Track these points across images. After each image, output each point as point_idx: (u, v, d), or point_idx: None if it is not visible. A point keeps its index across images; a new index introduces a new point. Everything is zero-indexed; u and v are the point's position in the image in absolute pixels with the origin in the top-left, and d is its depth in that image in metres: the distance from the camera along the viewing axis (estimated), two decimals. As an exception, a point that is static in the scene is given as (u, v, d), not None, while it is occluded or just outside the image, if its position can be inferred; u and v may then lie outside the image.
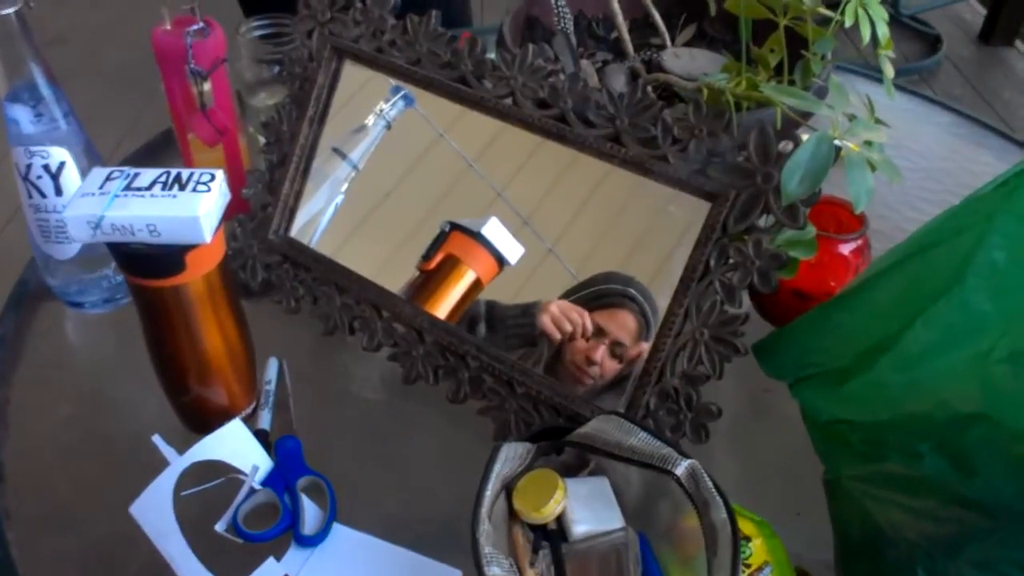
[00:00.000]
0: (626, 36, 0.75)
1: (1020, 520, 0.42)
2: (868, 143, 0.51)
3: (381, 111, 0.69)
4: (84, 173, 0.66)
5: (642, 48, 0.77)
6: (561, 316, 0.61)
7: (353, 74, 0.70)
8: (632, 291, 0.61)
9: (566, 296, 0.62)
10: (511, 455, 0.52)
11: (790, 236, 0.55)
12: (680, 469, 0.48)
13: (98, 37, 2.48)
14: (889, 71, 0.54)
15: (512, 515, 0.51)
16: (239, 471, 0.57)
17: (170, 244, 0.52)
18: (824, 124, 0.53)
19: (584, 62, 0.76)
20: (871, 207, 0.70)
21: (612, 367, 0.60)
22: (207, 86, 0.71)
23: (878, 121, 0.54)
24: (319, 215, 0.71)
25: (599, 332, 0.61)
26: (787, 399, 0.54)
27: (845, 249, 0.65)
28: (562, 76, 0.60)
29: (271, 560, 0.54)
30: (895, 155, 0.91)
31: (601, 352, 0.61)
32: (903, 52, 2.53)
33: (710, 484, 0.48)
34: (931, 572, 0.45)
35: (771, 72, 0.59)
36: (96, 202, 0.51)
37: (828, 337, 0.52)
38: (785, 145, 0.52)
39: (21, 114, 0.64)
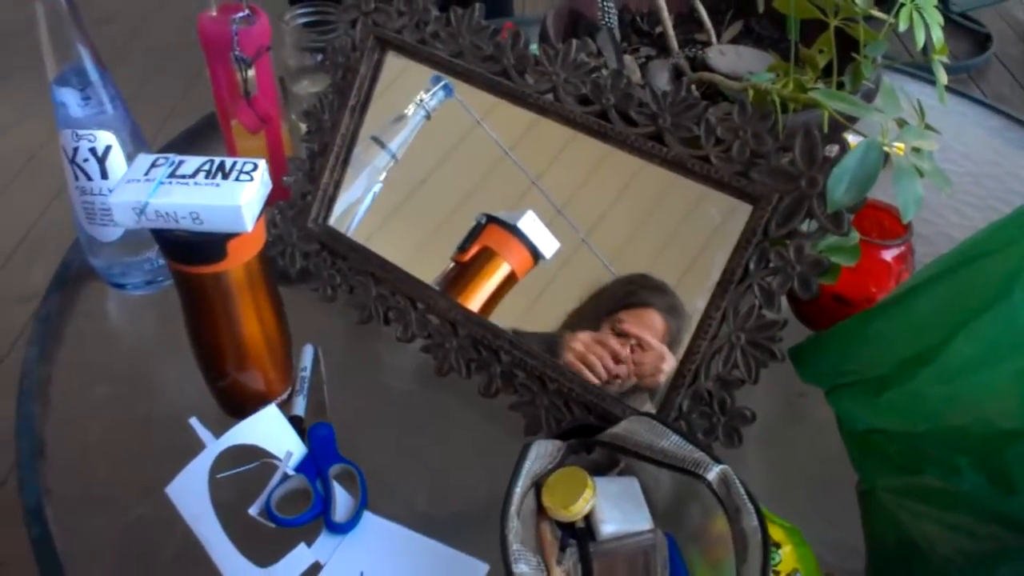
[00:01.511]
0: (671, 32, 0.74)
1: (1060, 541, 0.41)
2: (917, 150, 0.50)
3: (421, 101, 0.70)
4: (130, 157, 0.67)
5: (687, 44, 0.76)
6: (586, 352, 0.61)
7: (394, 63, 0.71)
8: (662, 288, 0.60)
9: (598, 297, 0.62)
10: (542, 452, 0.52)
11: (832, 242, 0.54)
12: (712, 474, 0.48)
13: (143, 18, 2.51)
14: (943, 77, 0.53)
15: (541, 512, 0.51)
16: (273, 456, 0.57)
17: (212, 232, 0.52)
18: (872, 126, 0.52)
19: (627, 58, 0.75)
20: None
21: (626, 370, 0.60)
22: (251, 73, 0.71)
23: (928, 127, 0.53)
24: (357, 204, 0.72)
25: (626, 332, 0.61)
26: (822, 405, 0.53)
27: (888, 255, 0.64)
28: (605, 72, 0.60)
29: (302, 546, 0.54)
30: (941, 158, 0.90)
31: (628, 351, 0.60)
32: (952, 50, 2.47)
33: (742, 491, 0.47)
34: (965, 589, 0.44)
35: (819, 73, 0.58)
36: (141, 188, 0.52)
37: (868, 345, 0.51)
38: (831, 149, 0.51)
39: (69, 98, 0.65)
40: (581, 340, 0.61)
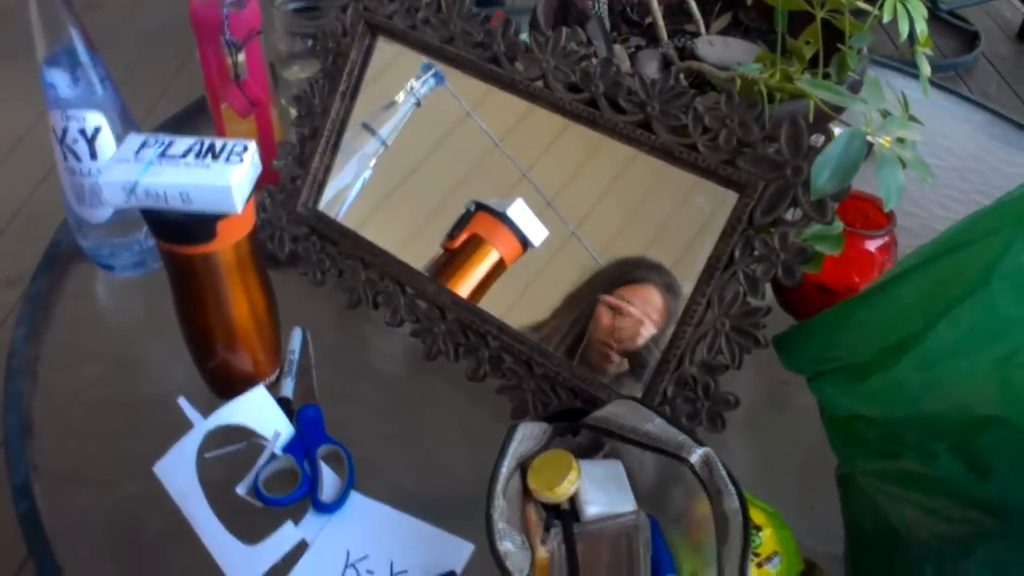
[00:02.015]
0: (660, 22, 0.74)
1: (1032, 524, 0.42)
2: (901, 140, 0.51)
3: (411, 88, 0.70)
4: (119, 138, 0.67)
5: (676, 35, 0.76)
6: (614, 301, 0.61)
7: (385, 50, 0.71)
8: (658, 267, 0.60)
9: (594, 279, 0.62)
10: (528, 434, 0.53)
11: (817, 230, 0.55)
12: (694, 456, 0.49)
13: (132, 3, 2.49)
14: (926, 69, 0.54)
15: (526, 493, 0.52)
16: (261, 436, 0.58)
17: (202, 212, 0.52)
18: (857, 119, 0.53)
19: (617, 47, 0.75)
20: (899, 204, 0.70)
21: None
22: (241, 57, 0.71)
23: (912, 118, 0.53)
24: (347, 189, 0.72)
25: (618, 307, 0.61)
26: (805, 393, 0.54)
27: (871, 245, 0.65)
28: (594, 60, 0.60)
29: (289, 524, 0.55)
30: (926, 152, 0.91)
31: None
32: (940, 48, 2.49)
33: (723, 473, 0.48)
34: (940, 571, 0.45)
35: (806, 64, 0.59)
36: (131, 168, 0.52)
37: (850, 333, 0.52)
38: (816, 139, 0.52)
39: (59, 78, 0.65)
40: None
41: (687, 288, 0.57)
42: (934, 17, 2.54)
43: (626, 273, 0.62)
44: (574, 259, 0.63)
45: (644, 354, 0.59)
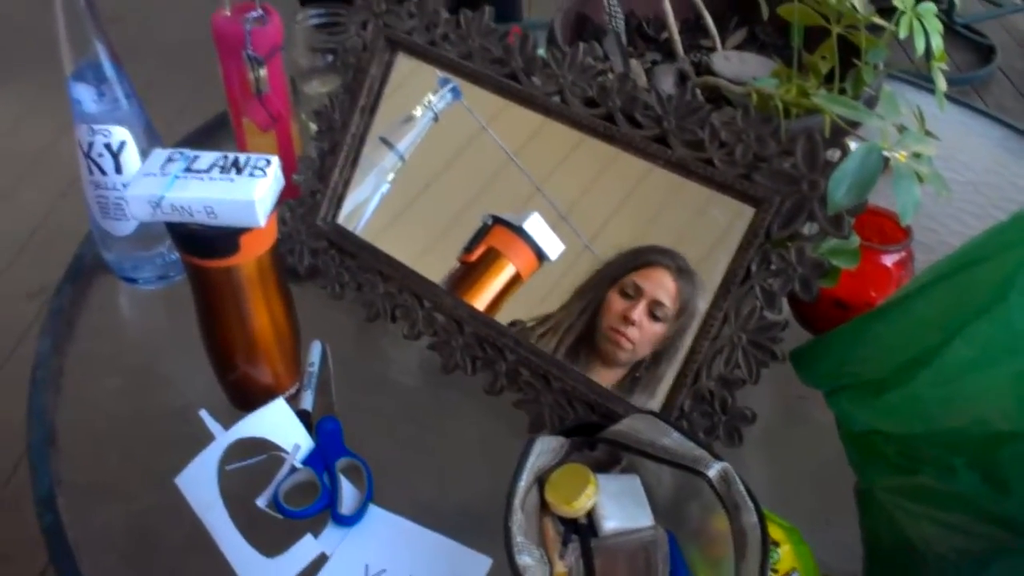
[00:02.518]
0: (676, 37, 0.75)
1: (1053, 540, 0.42)
2: (917, 155, 0.51)
3: (429, 103, 0.71)
4: (144, 152, 0.68)
5: (692, 50, 0.77)
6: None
7: (404, 64, 0.72)
8: (669, 251, 0.59)
9: (603, 268, 0.62)
10: (545, 448, 0.53)
11: (833, 245, 0.55)
12: (712, 471, 0.49)
13: (154, 17, 2.53)
14: (942, 84, 0.54)
15: (544, 507, 0.52)
16: (281, 449, 0.58)
17: (226, 226, 0.53)
18: (873, 133, 0.53)
19: (633, 62, 0.76)
20: (916, 219, 0.69)
21: (653, 331, 0.60)
22: (263, 72, 0.72)
23: (928, 133, 0.54)
24: (365, 203, 0.73)
25: (636, 291, 0.61)
26: (822, 407, 0.54)
27: (888, 260, 0.65)
28: (611, 76, 0.61)
29: (308, 537, 0.55)
30: (942, 167, 0.90)
31: (639, 311, 0.60)
32: (956, 61, 2.48)
33: (742, 488, 0.48)
34: (959, 587, 0.45)
35: (822, 79, 0.59)
36: (157, 183, 0.53)
37: (867, 348, 0.52)
38: (833, 153, 0.52)
39: (85, 93, 0.66)
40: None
41: (703, 303, 0.57)
42: (949, 31, 2.53)
43: (636, 258, 0.61)
44: (589, 272, 0.63)
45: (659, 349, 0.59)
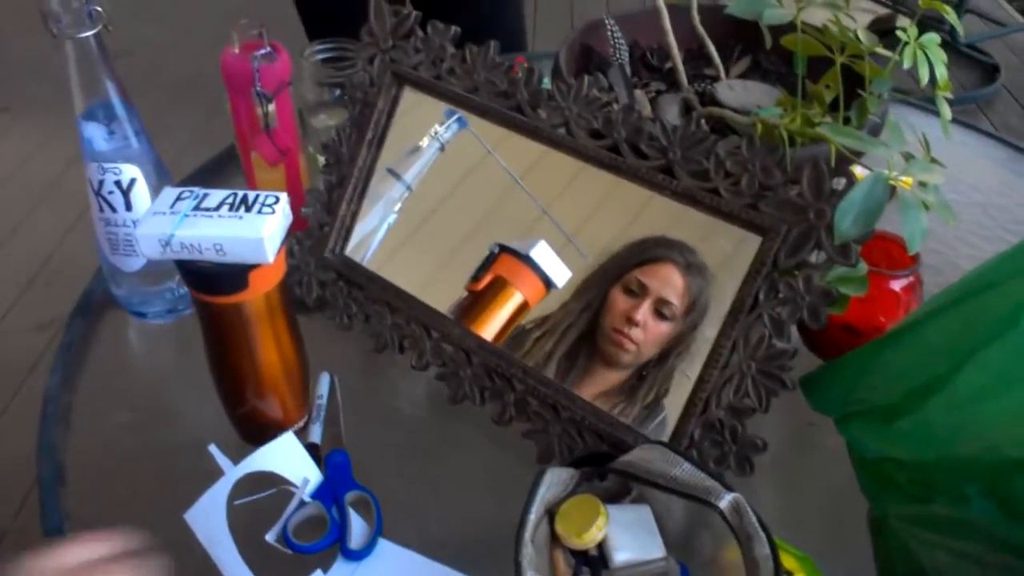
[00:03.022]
0: (680, 67, 0.76)
1: (1069, 570, 0.41)
2: (923, 184, 0.51)
3: (436, 133, 0.71)
4: (154, 189, 0.69)
5: (696, 79, 0.77)
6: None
7: (410, 96, 0.72)
8: (679, 244, 0.57)
9: (607, 264, 0.61)
10: (555, 480, 0.53)
11: (841, 272, 0.55)
12: (724, 502, 0.49)
13: (163, 51, 2.56)
14: (947, 113, 0.54)
15: (554, 539, 0.52)
16: (290, 483, 0.58)
17: (235, 263, 0.54)
18: (879, 160, 0.53)
19: (638, 92, 0.77)
20: (923, 242, 0.70)
21: (660, 330, 0.58)
22: (271, 107, 0.73)
23: (934, 160, 0.54)
24: (372, 234, 0.73)
25: (641, 289, 0.59)
26: (833, 434, 0.54)
27: (896, 285, 0.65)
28: (616, 107, 0.61)
29: (318, 572, 0.55)
30: (948, 189, 0.90)
31: (643, 311, 0.58)
32: (960, 81, 2.49)
33: (753, 519, 0.48)
34: (976, 617, 0.44)
35: (826, 108, 0.59)
36: (167, 221, 0.53)
37: (877, 374, 0.52)
38: (839, 182, 0.53)
39: (95, 132, 0.67)
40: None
41: (711, 332, 0.57)
42: (952, 50, 2.54)
43: (642, 252, 0.59)
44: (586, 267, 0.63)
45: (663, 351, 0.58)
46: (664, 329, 0.58)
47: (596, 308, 0.60)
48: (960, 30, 0.70)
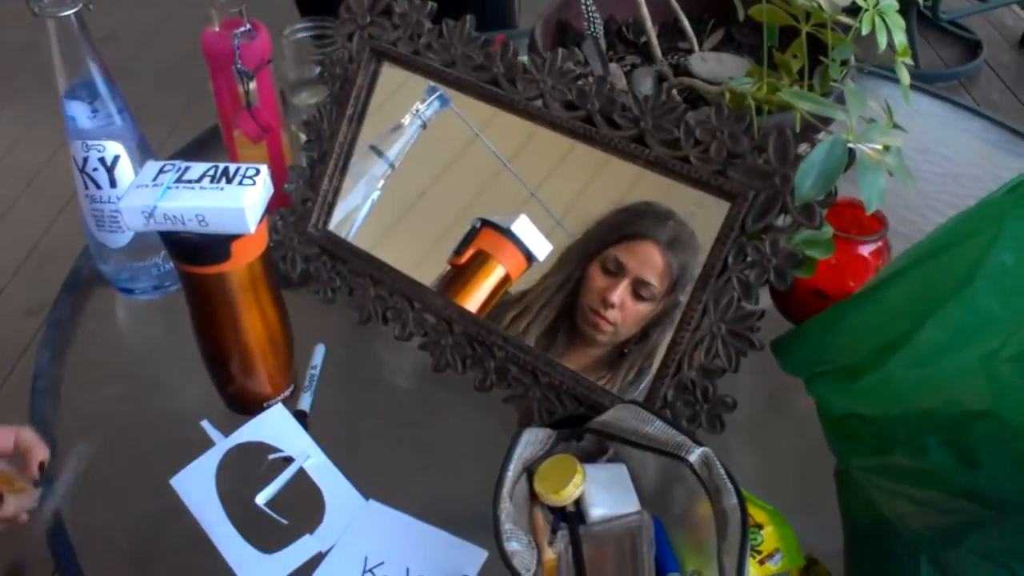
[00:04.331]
0: (654, 40, 0.77)
1: (1021, 513, 0.43)
2: (886, 148, 0.53)
3: (417, 111, 0.72)
4: (137, 166, 0.70)
5: (670, 52, 0.79)
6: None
7: (391, 75, 0.73)
8: (660, 217, 0.56)
9: (587, 236, 0.61)
10: (532, 440, 0.55)
11: (807, 236, 0.57)
12: (693, 456, 0.51)
13: (147, 36, 2.55)
14: (905, 78, 0.56)
15: (533, 498, 0.54)
16: (279, 451, 0.60)
17: (217, 233, 0.55)
18: (844, 128, 0.54)
19: (613, 65, 0.78)
20: (895, 211, 0.71)
21: (638, 310, 0.57)
22: (253, 85, 0.74)
23: (896, 126, 0.55)
24: (356, 210, 0.74)
25: (619, 268, 0.58)
26: (804, 395, 0.55)
27: (865, 250, 0.66)
28: (590, 79, 0.63)
29: (306, 536, 0.57)
30: (923, 160, 0.93)
31: (620, 292, 0.58)
32: (942, 57, 2.50)
33: (722, 471, 0.50)
34: (934, 561, 0.46)
35: (794, 77, 0.61)
36: (150, 193, 0.54)
37: (843, 335, 0.53)
38: (804, 148, 0.54)
39: (79, 110, 0.68)
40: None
41: (683, 296, 0.58)
42: (935, 27, 2.55)
43: (624, 226, 0.58)
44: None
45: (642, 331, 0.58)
46: (643, 309, 0.58)
47: (574, 285, 0.60)
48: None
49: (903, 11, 0.55)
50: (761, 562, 0.52)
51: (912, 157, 0.70)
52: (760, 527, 0.53)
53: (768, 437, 0.66)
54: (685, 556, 0.52)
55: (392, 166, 0.73)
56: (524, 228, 0.67)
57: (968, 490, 0.45)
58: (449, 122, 0.71)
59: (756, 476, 0.59)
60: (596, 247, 0.60)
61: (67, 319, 0.75)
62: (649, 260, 0.57)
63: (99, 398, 0.69)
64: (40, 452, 0.54)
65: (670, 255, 0.57)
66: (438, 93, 0.71)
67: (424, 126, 0.72)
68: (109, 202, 0.70)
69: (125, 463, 0.64)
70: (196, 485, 0.57)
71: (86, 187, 0.70)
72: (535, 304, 0.63)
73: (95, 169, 0.69)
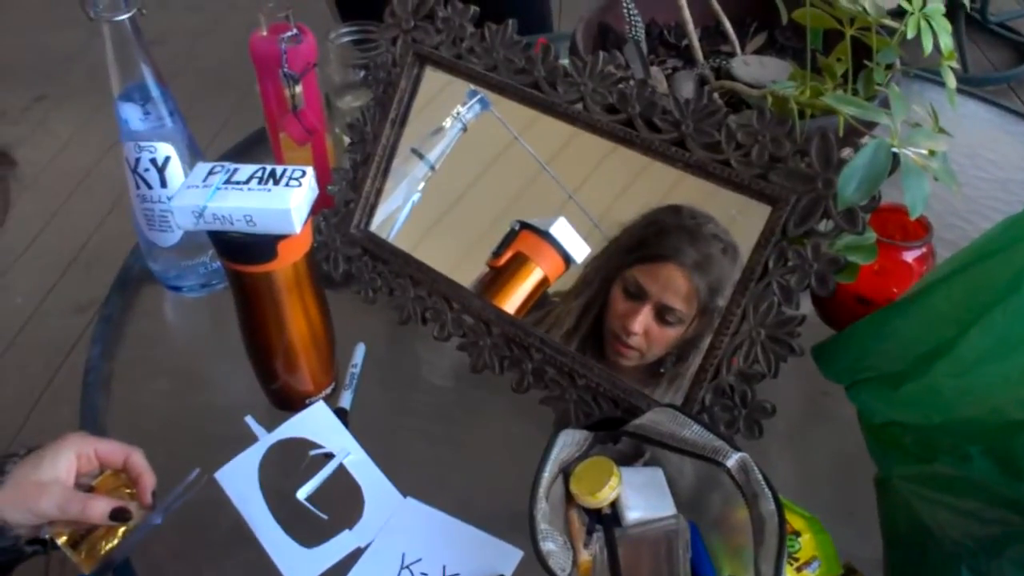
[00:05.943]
0: (696, 43, 0.77)
1: (1065, 524, 0.43)
2: (931, 152, 0.52)
3: (458, 114, 0.73)
4: (187, 167, 0.72)
5: (712, 55, 0.78)
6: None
7: (433, 79, 0.74)
8: (685, 235, 0.54)
9: (610, 247, 0.61)
10: (569, 441, 0.55)
11: (850, 241, 0.56)
12: (731, 461, 0.51)
13: (194, 39, 2.60)
14: (951, 82, 0.55)
15: (569, 499, 0.54)
16: (320, 447, 0.61)
17: (264, 233, 0.56)
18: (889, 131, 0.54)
19: (654, 69, 0.78)
20: (940, 216, 0.70)
21: (665, 335, 0.57)
22: (299, 89, 0.76)
23: (941, 130, 0.55)
24: (397, 212, 0.75)
25: (640, 292, 0.58)
26: (845, 403, 0.55)
27: (909, 256, 0.66)
28: (631, 82, 0.63)
29: (345, 531, 0.58)
30: (969, 164, 0.91)
31: (642, 319, 0.57)
32: (991, 60, 2.45)
33: (760, 477, 0.50)
34: (975, 571, 0.46)
35: (837, 81, 0.60)
36: (200, 194, 0.56)
37: (885, 341, 0.53)
38: (848, 152, 0.54)
39: (131, 112, 0.70)
40: None
41: (721, 300, 0.58)
42: (983, 30, 2.50)
43: (643, 246, 0.57)
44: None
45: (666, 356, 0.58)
46: (671, 333, 0.57)
47: (598, 310, 0.60)
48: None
49: (950, 14, 0.55)
50: (799, 569, 0.52)
51: (958, 162, 0.69)
52: (798, 534, 0.53)
53: (807, 444, 0.65)
54: (722, 561, 0.52)
55: (433, 168, 0.74)
56: (563, 230, 0.67)
57: (1010, 500, 0.45)
58: (489, 125, 0.72)
59: (795, 483, 0.59)
60: (617, 266, 0.60)
61: (117, 315, 0.78)
62: (671, 284, 0.56)
63: (147, 392, 0.71)
64: (150, 479, 0.56)
65: (696, 277, 0.55)
66: (479, 96, 0.72)
67: (465, 129, 0.73)
68: (159, 202, 0.72)
69: (172, 455, 0.66)
70: (240, 479, 0.59)
71: (137, 187, 0.72)
72: (563, 324, 0.63)
73: (146, 170, 0.71)
